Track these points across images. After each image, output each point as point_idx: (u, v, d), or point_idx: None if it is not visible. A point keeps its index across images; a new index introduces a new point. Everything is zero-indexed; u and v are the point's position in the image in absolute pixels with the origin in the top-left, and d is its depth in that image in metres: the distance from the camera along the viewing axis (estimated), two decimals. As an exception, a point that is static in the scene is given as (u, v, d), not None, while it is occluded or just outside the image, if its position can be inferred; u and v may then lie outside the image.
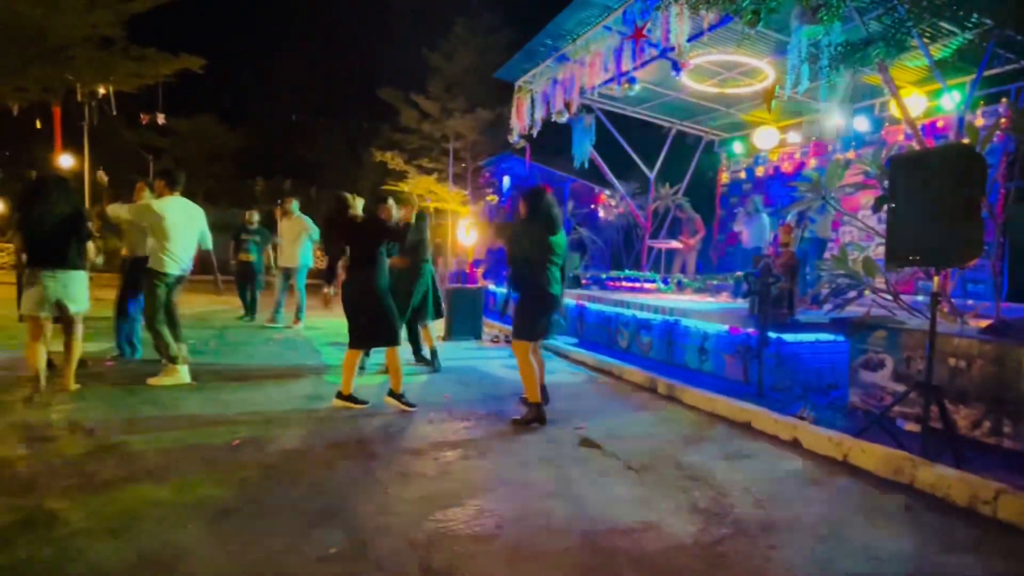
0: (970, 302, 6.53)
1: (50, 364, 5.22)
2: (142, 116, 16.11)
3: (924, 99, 8.60)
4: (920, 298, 6.56)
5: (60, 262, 4.36)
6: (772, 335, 5.21)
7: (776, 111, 10.31)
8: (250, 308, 9.37)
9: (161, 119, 16.36)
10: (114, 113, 13.69)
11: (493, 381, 4.61)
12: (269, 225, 9.85)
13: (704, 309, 6.50)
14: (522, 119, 10.95)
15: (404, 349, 5.08)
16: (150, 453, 3.35)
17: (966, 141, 4.72)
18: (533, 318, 4.37)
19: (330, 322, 9.05)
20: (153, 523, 2.51)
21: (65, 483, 2.89)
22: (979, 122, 8.01)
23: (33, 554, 2.22)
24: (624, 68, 8.30)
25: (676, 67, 7.99)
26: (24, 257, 4.40)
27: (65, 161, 15.37)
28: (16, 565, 2.15)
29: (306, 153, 35.13)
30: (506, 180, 17.68)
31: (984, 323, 4.18)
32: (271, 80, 38.98)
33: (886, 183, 4.29)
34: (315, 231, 8.70)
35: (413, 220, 5.54)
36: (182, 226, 5.13)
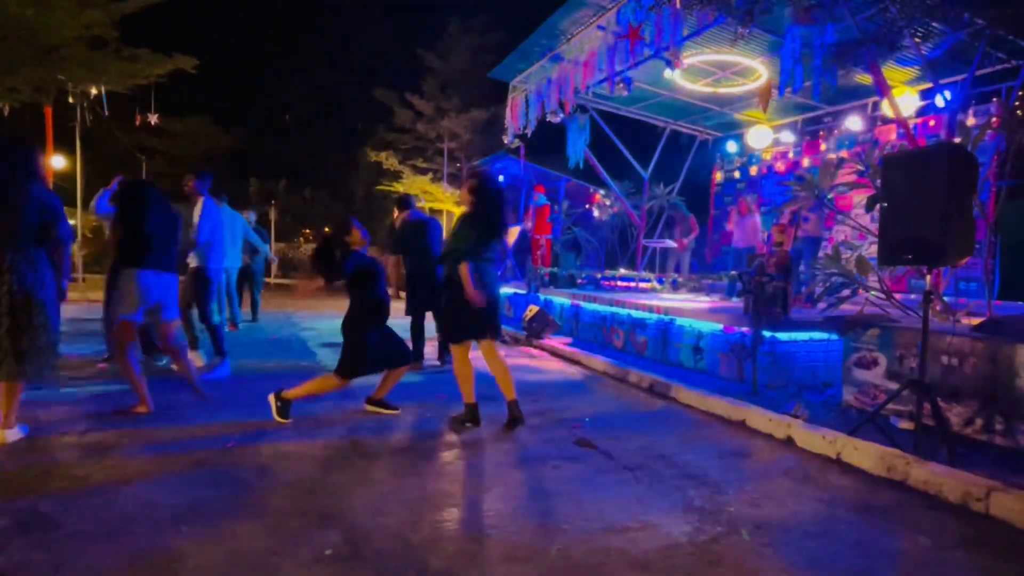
0: (962, 300, 6.57)
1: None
2: (137, 117, 16.01)
3: (916, 98, 8.66)
4: (913, 296, 6.60)
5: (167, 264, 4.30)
6: (766, 334, 5.24)
7: (770, 110, 10.36)
8: (252, 309, 9.35)
9: (154, 120, 16.24)
10: (106, 114, 13.59)
11: (489, 381, 4.59)
12: (266, 225, 9.78)
13: (699, 308, 6.52)
14: (516, 119, 10.96)
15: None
16: (145, 454, 3.33)
17: (958, 140, 4.75)
18: (471, 317, 4.02)
19: (326, 324, 9.04)
20: (148, 525, 2.50)
21: (59, 485, 2.88)
22: (971, 121, 8.06)
23: (28, 557, 2.21)
24: (618, 68, 8.32)
25: (670, 66, 8.01)
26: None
27: (57, 162, 15.28)
28: (10, 569, 2.14)
29: (300, 153, 35.07)
30: (501, 180, 17.69)
31: (976, 321, 4.21)
32: (265, 80, 38.83)
33: (879, 182, 4.32)
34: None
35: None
36: None
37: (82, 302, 11.15)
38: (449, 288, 4.06)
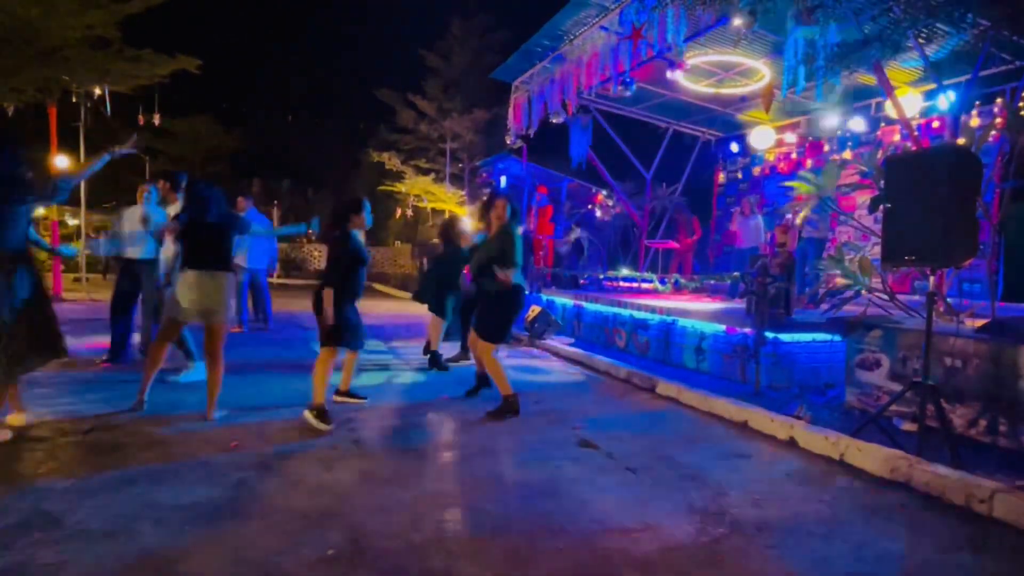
0: (965, 302, 6.54)
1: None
2: (140, 117, 16.06)
3: (920, 99, 8.63)
4: (916, 297, 6.58)
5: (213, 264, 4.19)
6: (769, 335, 5.22)
7: (773, 111, 10.34)
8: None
9: (157, 120, 16.28)
10: (109, 114, 13.61)
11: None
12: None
13: (701, 309, 6.51)
14: (519, 119, 10.95)
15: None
16: (148, 454, 3.34)
17: (962, 141, 4.74)
18: (511, 321, 4.63)
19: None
20: (151, 524, 2.50)
21: (62, 484, 2.88)
22: (975, 122, 8.04)
23: (31, 556, 2.22)
24: (621, 68, 8.31)
25: (673, 67, 8.00)
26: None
27: (60, 162, 15.29)
28: (14, 567, 2.15)
29: (303, 154, 35.12)
30: (503, 180, 17.69)
31: (980, 323, 4.19)
32: (268, 81, 38.93)
33: (882, 183, 4.31)
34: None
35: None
36: None
37: (86, 301, 11.18)
38: (507, 295, 4.53)
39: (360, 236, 4.31)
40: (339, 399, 4.59)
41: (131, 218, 5.69)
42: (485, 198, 4.88)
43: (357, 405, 4.57)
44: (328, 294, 3.99)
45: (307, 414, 3.97)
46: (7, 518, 2.51)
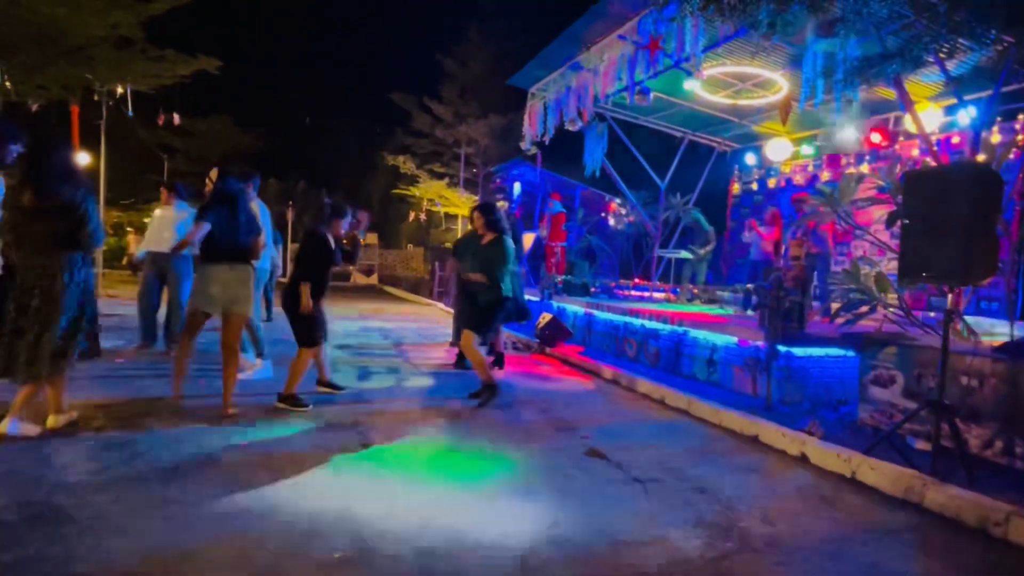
0: (983, 320, 6.46)
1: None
2: (160, 116, 16.26)
3: (940, 114, 8.54)
4: (932, 315, 6.50)
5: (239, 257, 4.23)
6: (782, 348, 5.18)
7: (790, 124, 10.28)
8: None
9: (177, 119, 16.46)
10: (130, 113, 13.80)
11: (497, 388, 4.62)
12: (281, 227, 9.85)
13: (713, 320, 6.47)
14: (534, 126, 10.98)
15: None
16: (158, 452, 3.36)
17: (982, 157, 4.69)
18: (496, 321, 5.09)
19: (337, 325, 9.09)
20: (159, 522, 2.52)
21: (73, 480, 2.91)
22: (996, 138, 7.95)
23: (41, 551, 2.24)
24: (638, 78, 8.32)
25: (690, 76, 7.99)
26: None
27: (82, 159, 15.51)
28: (24, 561, 2.17)
29: (319, 155, 35.44)
30: (517, 186, 17.72)
31: (997, 342, 4.13)
32: (286, 82, 39.35)
33: (900, 198, 4.26)
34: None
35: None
36: None
37: (101, 296, 11.30)
38: (497, 304, 4.94)
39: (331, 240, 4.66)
40: (322, 389, 4.92)
41: (161, 219, 6.25)
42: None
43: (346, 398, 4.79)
44: (305, 289, 4.39)
45: (279, 404, 4.38)
46: (19, 512, 2.54)
